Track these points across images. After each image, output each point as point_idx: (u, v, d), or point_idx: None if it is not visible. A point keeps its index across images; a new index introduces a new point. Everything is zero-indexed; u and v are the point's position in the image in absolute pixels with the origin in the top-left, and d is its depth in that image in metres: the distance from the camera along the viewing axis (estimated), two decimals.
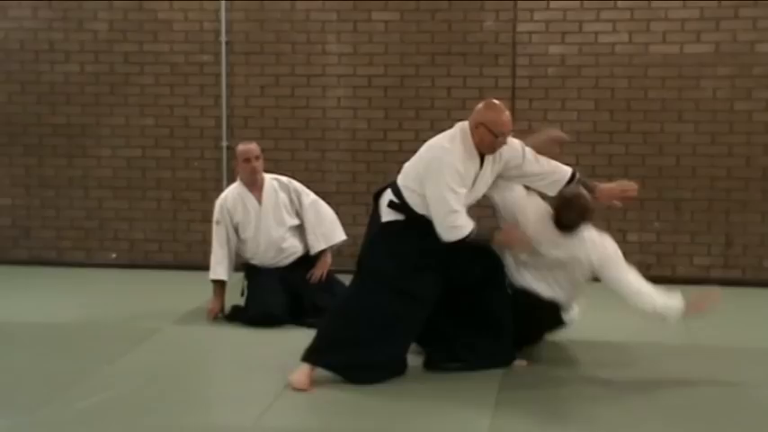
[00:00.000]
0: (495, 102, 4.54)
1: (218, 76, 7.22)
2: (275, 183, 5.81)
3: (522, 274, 4.73)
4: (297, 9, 7.13)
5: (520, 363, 4.72)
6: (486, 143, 4.45)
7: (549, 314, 4.75)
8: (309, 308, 5.56)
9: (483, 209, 4.81)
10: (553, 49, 6.88)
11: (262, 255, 5.76)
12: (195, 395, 4.47)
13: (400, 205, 4.54)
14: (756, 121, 6.73)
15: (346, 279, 5.14)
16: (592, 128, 6.89)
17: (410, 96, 7.07)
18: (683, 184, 6.84)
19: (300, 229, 5.83)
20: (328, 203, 5.92)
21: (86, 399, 4.22)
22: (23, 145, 7.50)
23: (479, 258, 4.59)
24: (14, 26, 7.41)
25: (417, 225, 4.46)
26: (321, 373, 4.48)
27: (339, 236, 5.86)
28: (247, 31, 7.20)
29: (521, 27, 6.91)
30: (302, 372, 4.43)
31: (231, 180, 6.23)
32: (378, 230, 4.62)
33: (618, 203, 4.89)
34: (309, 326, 5.06)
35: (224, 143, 7.24)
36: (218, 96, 7.24)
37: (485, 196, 4.70)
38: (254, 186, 5.76)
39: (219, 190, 6.33)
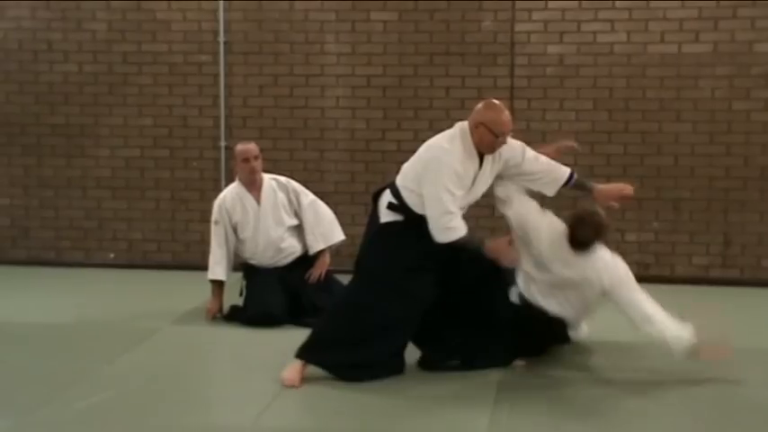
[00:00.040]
0: (495, 101, 4.54)
1: (216, 76, 7.22)
2: (274, 183, 5.81)
3: (532, 289, 4.70)
4: (295, 9, 7.13)
5: (518, 362, 4.72)
6: (485, 143, 4.46)
7: (555, 329, 4.73)
8: (308, 308, 5.56)
9: (482, 209, 4.82)
10: (551, 49, 6.88)
11: (260, 255, 5.76)
12: (194, 395, 4.47)
13: (399, 206, 4.54)
14: (755, 121, 6.73)
15: (345, 279, 5.14)
16: (590, 128, 6.88)
17: (409, 96, 7.07)
18: (681, 183, 6.84)
19: (299, 229, 5.83)
20: (327, 203, 5.93)
21: (86, 399, 4.22)
22: (22, 145, 7.49)
23: (478, 259, 4.58)
24: (13, 26, 7.40)
25: (416, 226, 4.46)
26: (320, 373, 4.48)
27: (338, 236, 5.86)
28: (246, 31, 7.20)
29: (519, 27, 6.91)
30: (294, 368, 4.45)
31: (230, 180, 6.22)
32: (376, 231, 4.62)
33: (615, 205, 4.89)
34: (308, 326, 5.03)
35: (222, 143, 7.24)
36: (216, 96, 7.24)
37: (487, 195, 4.71)
38: (253, 186, 5.76)
39: (218, 190, 6.33)
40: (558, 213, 4.82)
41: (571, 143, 5.07)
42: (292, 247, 5.80)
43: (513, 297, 4.76)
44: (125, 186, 7.42)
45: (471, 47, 6.97)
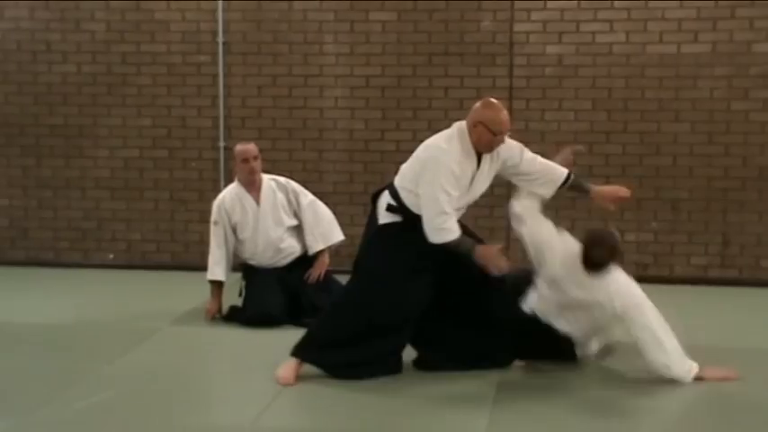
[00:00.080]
0: (493, 101, 4.54)
1: (215, 76, 7.22)
2: (273, 183, 5.82)
3: (543, 307, 4.69)
4: (294, 9, 7.13)
5: (518, 363, 4.73)
6: (484, 142, 4.45)
7: (563, 347, 4.70)
8: (307, 308, 5.56)
9: (481, 209, 4.82)
10: (550, 49, 6.88)
11: (260, 255, 5.76)
12: (193, 395, 4.47)
13: (397, 207, 4.54)
14: (753, 121, 6.74)
15: (344, 279, 5.14)
16: (589, 128, 6.89)
17: (407, 96, 7.07)
18: (680, 183, 6.85)
19: (298, 230, 5.83)
20: (326, 204, 5.93)
21: (85, 399, 4.22)
22: (21, 146, 7.49)
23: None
24: (11, 27, 7.40)
25: (414, 227, 4.45)
26: (319, 373, 4.48)
27: (337, 236, 5.86)
28: (244, 32, 7.20)
29: (518, 27, 6.91)
30: (289, 366, 4.46)
31: (229, 180, 6.23)
32: (375, 232, 4.62)
33: (611, 207, 4.89)
34: (307, 326, 5.05)
35: (221, 143, 7.24)
36: (215, 97, 7.25)
37: (485, 195, 4.71)
38: (252, 187, 5.76)
39: (217, 190, 6.33)
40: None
41: (577, 147, 5.08)
42: (292, 248, 5.80)
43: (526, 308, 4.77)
44: (124, 187, 7.42)
45: (470, 47, 6.97)
